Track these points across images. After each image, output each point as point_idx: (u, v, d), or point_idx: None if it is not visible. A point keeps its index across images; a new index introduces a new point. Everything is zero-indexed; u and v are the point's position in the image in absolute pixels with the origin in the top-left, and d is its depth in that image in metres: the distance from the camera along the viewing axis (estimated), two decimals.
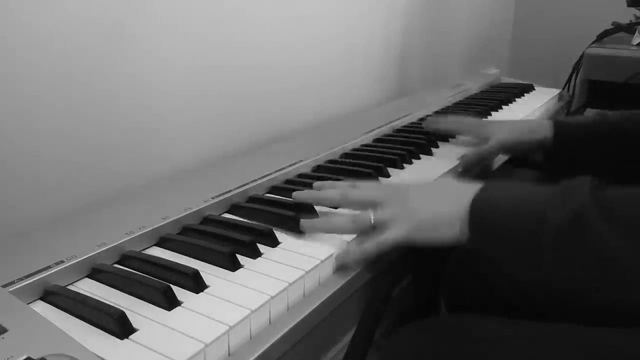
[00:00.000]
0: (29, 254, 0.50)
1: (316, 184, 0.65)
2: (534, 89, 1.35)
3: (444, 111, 1.11)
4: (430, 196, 0.57)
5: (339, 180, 0.66)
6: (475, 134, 0.90)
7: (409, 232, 0.54)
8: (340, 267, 0.54)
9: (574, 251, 0.46)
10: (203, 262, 0.51)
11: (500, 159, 0.94)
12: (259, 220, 0.60)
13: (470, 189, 0.53)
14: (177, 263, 0.50)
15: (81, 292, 0.47)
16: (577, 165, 0.83)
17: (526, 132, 0.85)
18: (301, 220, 0.58)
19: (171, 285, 0.45)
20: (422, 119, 1.03)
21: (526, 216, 0.48)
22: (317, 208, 0.62)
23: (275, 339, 0.44)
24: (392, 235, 0.55)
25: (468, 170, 0.81)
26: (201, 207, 0.60)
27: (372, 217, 0.56)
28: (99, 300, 0.45)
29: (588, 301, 0.51)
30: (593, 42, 1.46)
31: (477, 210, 0.51)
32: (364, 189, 0.60)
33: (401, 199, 0.57)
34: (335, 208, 0.63)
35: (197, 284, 0.47)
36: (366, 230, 0.56)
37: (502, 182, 0.54)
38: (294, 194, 0.62)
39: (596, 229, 0.44)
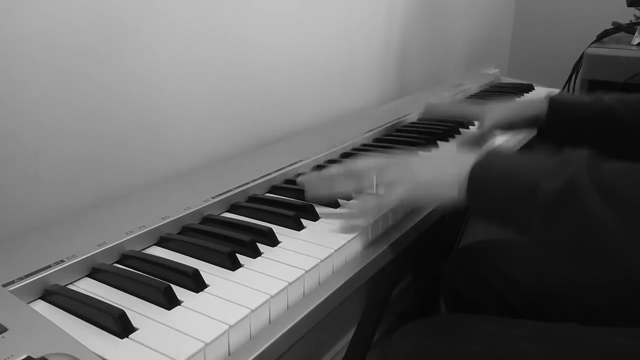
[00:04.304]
0: (29, 253, 0.50)
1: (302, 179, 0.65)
2: (533, 89, 1.35)
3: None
4: (432, 160, 0.60)
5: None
6: (471, 117, 0.91)
7: (411, 191, 0.57)
8: (347, 229, 0.57)
9: (563, 219, 0.47)
10: (203, 262, 0.51)
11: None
12: (259, 219, 0.60)
13: (471, 155, 0.55)
14: (177, 262, 0.50)
15: (81, 291, 0.47)
16: (569, 144, 0.84)
17: (519, 110, 0.85)
18: (303, 181, 0.62)
19: (171, 284, 0.46)
20: (422, 119, 1.04)
21: (522, 181, 0.50)
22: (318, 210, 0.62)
23: (275, 338, 0.44)
24: (395, 195, 0.57)
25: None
26: (201, 206, 0.61)
27: (375, 180, 0.58)
28: (99, 300, 0.45)
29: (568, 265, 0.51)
30: (593, 42, 1.46)
31: (477, 173, 0.53)
32: (366, 160, 0.61)
33: (403, 163, 0.60)
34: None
35: (197, 284, 0.47)
36: (368, 194, 0.58)
37: (504, 150, 0.56)
38: (307, 193, 0.63)
39: (586, 200, 0.45)
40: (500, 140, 0.93)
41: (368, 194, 0.59)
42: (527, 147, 0.97)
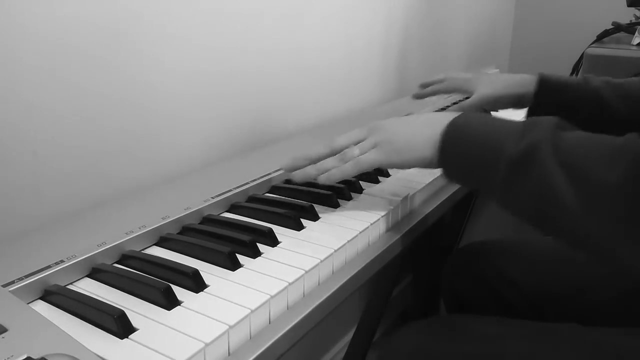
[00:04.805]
0: (29, 253, 0.50)
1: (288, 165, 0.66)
2: None
3: (443, 110, 1.11)
4: (408, 124, 0.61)
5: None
6: (460, 90, 0.90)
7: (387, 154, 0.59)
8: (323, 181, 0.61)
9: (522, 181, 0.48)
10: (203, 262, 0.51)
11: None
12: (259, 219, 0.60)
13: (445, 117, 0.57)
14: (177, 262, 0.50)
15: (81, 291, 0.47)
16: None
17: (508, 86, 0.84)
18: (293, 172, 0.63)
19: (171, 284, 0.45)
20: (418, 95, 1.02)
21: (489, 144, 0.52)
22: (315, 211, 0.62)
23: (275, 338, 0.44)
24: (371, 157, 0.59)
25: None
26: (201, 206, 0.61)
27: (357, 152, 0.60)
28: (99, 300, 0.45)
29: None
30: (593, 42, 1.46)
31: (448, 136, 0.55)
32: (347, 134, 0.63)
33: (380, 129, 0.61)
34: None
35: (196, 284, 0.47)
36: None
37: (477, 113, 0.58)
38: (294, 176, 0.64)
39: (543, 165, 0.46)
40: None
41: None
42: None
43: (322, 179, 0.61)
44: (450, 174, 0.57)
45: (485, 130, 0.53)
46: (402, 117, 0.64)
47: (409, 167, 0.60)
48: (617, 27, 1.51)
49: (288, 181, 0.71)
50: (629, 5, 1.45)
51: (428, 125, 0.58)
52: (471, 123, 0.55)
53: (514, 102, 0.84)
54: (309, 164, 0.63)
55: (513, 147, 0.49)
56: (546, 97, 0.80)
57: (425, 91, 0.94)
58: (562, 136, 0.48)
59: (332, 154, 0.62)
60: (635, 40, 1.39)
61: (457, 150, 0.54)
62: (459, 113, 0.57)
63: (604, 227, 0.44)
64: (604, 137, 0.47)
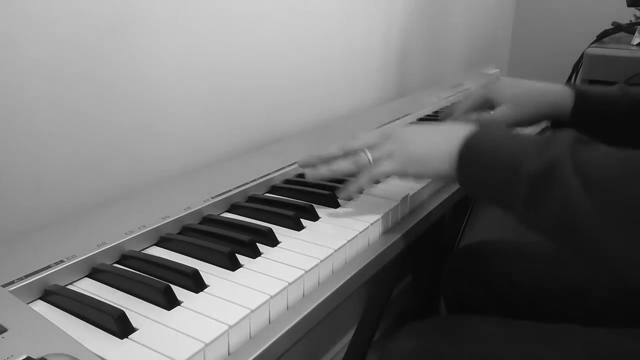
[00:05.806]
0: (29, 253, 0.50)
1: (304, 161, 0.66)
2: None
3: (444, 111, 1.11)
4: (425, 134, 0.60)
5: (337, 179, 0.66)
6: (484, 101, 0.83)
7: (402, 165, 0.59)
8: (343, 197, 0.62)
9: (542, 197, 0.47)
10: (203, 262, 0.51)
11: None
12: (259, 219, 0.60)
13: (463, 130, 0.56)
14: (176, 263, 0.50)
15: (81, 291, 0.47)
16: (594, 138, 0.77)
17: (542, 100, 0.79)
18: (305, 170, 0.64)
19: (171, 284, 0.45)
20: (421, 119, 1.04)
21: (508, 159, 0.50)
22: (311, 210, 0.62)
23: (275, 338, 0.44)
24: (386, 167, 0.59)
25: None
26: (201, 206, 0.61)
27: (370, 156, 0.60)
28: (98, 300, 0.45)
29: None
30: (593, 42, 1.46)
31: (466, 149, 0.54)
32: (362, 136, 0.62)
33: (397, 137, 0.61)
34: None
35: (196, 284, 0.47)
36: (366, 169, 0.60)
37: (495, 127, 0.57)
38: (307, 175, 0.64)
39: (565, 181, 0.46)
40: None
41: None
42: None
43: (341, 191, 0.61)
44: (468, 189, 0.56)
45: (504, 145, 0.52)
46: (420, 126, 0.63)
47: (424, 179, 0.60)
48: (617, 27, 1.51)
49: (288, 181, 0.71)
50: (629, 5, 1.45)
51: (446, 138, 0.56)
52: (489, 138, 0.54)
53: (545, 118, 0.81)
54: (322, 163, 0.63)
55: (533, 163, 0.48)
56: (584, 112, 0.77)
57: (457, 112, 0.86)
58: (582, 152, 0.47)
59: (346, 154, 0.62)
60: (635, 40, 1.39)
61: (474, 167, 0.53)
62: (477, 126, 0.56)
63: (628, 242, 0.43)
64: (622, 151, 0.46)
